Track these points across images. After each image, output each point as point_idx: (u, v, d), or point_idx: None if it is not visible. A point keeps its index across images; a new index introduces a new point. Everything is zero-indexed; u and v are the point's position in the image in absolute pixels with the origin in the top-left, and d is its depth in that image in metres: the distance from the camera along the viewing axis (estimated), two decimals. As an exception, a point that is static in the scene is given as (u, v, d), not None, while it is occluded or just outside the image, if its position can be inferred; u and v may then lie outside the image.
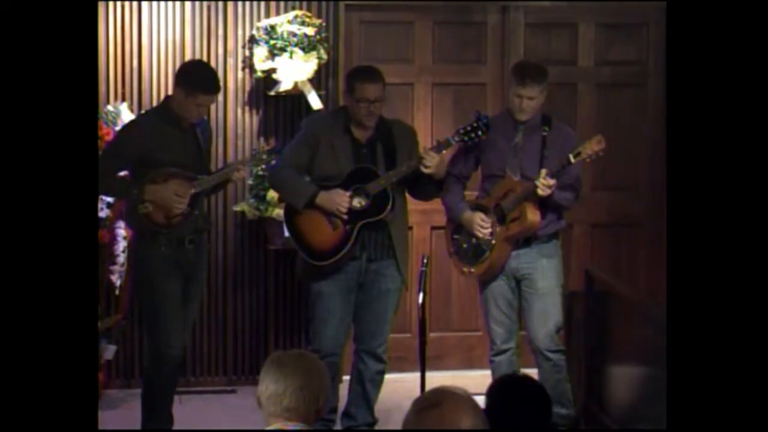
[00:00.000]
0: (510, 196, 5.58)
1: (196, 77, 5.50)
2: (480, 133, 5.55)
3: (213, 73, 5.68)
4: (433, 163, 5.47)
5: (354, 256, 5.58)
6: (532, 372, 5.36)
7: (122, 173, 5.64)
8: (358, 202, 5.54)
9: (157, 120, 5.53)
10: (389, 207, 5.53)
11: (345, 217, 5.52)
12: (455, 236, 5.83)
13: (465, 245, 5.76)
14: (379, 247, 5.62)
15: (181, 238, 5.51)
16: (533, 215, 5.53)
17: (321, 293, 5.63)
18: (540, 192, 5.42)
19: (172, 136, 5.49)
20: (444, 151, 5.56)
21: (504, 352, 5.75)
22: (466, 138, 5.56)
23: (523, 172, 5.60)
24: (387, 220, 5.58)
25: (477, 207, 5.72)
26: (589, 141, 5.42)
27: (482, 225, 5.66)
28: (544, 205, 5.55)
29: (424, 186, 5.63)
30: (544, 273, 5.66)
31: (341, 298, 5.62)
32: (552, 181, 5.41)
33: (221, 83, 6.53)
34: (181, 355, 5.64)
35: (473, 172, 5.89)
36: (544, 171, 5.43)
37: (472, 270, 5.76)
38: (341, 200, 5.51)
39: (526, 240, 5.63)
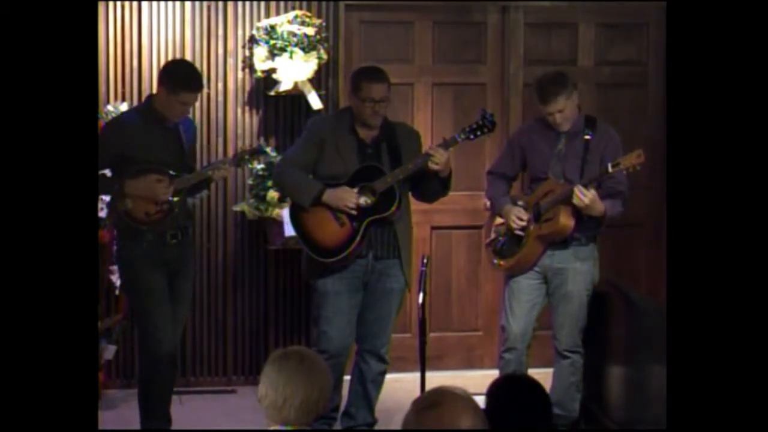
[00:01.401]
0: (549, 197, 5.63)
1: (179, 76, 5.52)
2: (486, 130, 5.59)
3: (196, 71, 5.71)
4: (441, 159, 5.48)
5: (361, 254, 5.58)
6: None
7: (103, 171, 5.66)
8: (364, 200, 5.54)
9: (140, 118, 5.55)
10: (396, 204, 5.53)
11: (353, 213, 5.52)
12: (494, 228, 5.89)
13: (501, 238, 5.83)
14: (385, 245, 5.62)
15: (162, 234, 5.51)
16: (566, 219, 5.56)
17: (327, 292, 5.62)
18: (575, 201, 5.47)
19: (154, 135, 5.50)
20: (451, 149, 5.57)
21: (515, 349, 5.76)
22: (472, 136, 5.61)
23: (566, 177, 5.65)
24: (393, 219, 5.58)
25: (518, 203, 5.79)
26: (629, 154, 5.46)
27: (519, 217, 5.70)
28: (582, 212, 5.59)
29: (429, 185, 5.63)
30: (575, 276, 5.69)
31: (348, 297, 5.61)
32: (591, 193, 5.45)
33: (221, 83, 6.57)
34: (173, 352, 5.62)
35: (519, 173, 5.99)
36: (580, 185, 5.46)
37: (501, 263, 5.83)
38: (348, 197, 5.51)
39: (563, 240, 5.67)
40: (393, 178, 5.52)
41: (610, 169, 5.47)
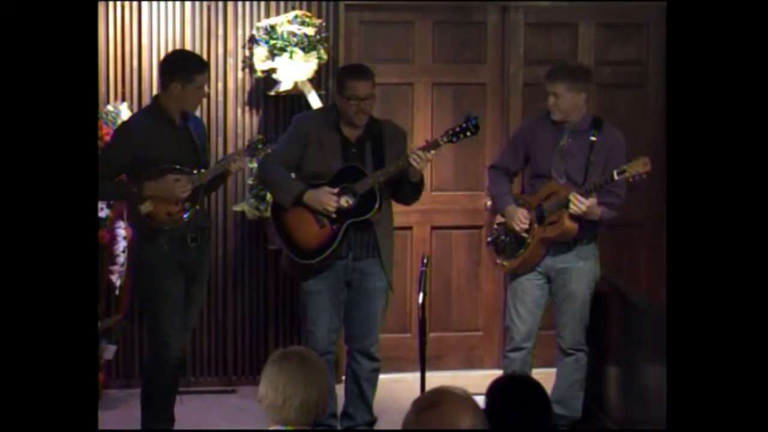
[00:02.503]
0: (552, 199, 5.62)
1: (187, 62, 5.56)
2: (469, 134, 5.57)
3: (195, 53, 5.90)
4: (422, 163, 5.47)
5: (340, 255, 5.58)
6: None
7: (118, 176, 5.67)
8: (345, 201, 5.53)
9: (149, 120, 5.54)
10: (376, 207, 5.53)
11: (333, 216, 5.52)
12: (495, 227, 5.88)
13: (503, 237, 5.82)
14: (364, 246, 5.61)
15: (183, 236, 5.51)
16: (570, 222, 5.56)
17: (309, 292, 5.63)
18: (572, 209, 5.46)
19: (166, 135, 5.50)
20: (432, 152, 5.56)
21: (521, 349, 5.77)
22: (455, 138, 5.58)
23: (569, 176, 5.64)
24: (373, 220, 5.57)
25: (521, 203, 5.78)
26: (635, 161, 5.43)
27: (522, 220, 5.69)
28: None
29: (402, 189, 5.62)
30: (578, 275, 5.70)
31: (329, 296, 5.62)
32: (588, 202, 5.45)
33: (221, 83, 6.58)
34: (181, 356, 5.63)
35: (522, 169, 5.98)
36: (576, 194, 5.46)
37: (505, 263, 5.82)
38: (329, 199, 5.51)
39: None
40: (374, 180, 5.52)
41: (615, 176, 5.45)
